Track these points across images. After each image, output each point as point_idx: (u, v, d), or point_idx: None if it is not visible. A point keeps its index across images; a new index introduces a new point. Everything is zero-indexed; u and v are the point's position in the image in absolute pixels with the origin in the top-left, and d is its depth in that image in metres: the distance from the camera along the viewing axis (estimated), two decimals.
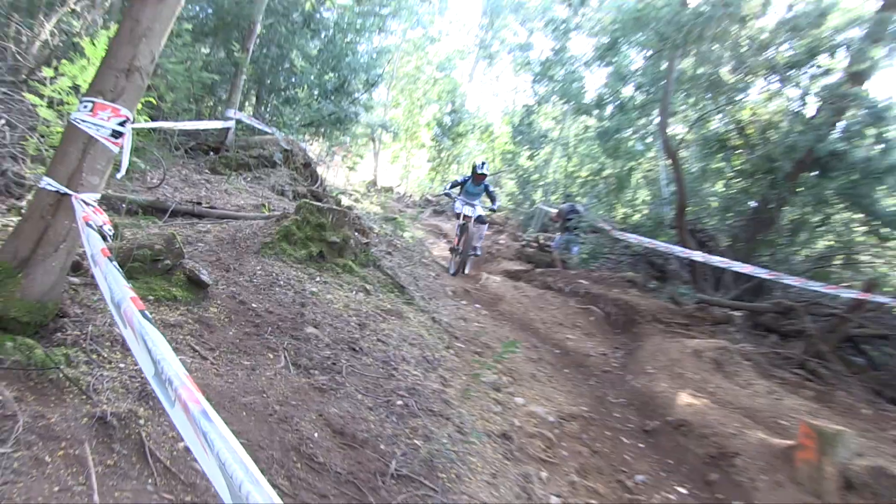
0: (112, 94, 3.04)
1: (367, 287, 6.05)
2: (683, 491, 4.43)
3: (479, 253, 11.21)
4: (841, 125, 11.22)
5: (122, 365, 3.09)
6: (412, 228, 13.53)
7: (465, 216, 10.78)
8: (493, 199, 11.44)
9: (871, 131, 10.96)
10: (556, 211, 14.54)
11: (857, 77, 11.35)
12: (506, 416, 4.57)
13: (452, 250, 11.30)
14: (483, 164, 11.23)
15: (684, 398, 5.83)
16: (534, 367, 6.17)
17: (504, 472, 3.75)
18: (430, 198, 25.35)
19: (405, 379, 4.28)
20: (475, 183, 11.12)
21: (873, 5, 11.61)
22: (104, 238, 2.65)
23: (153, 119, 8.58)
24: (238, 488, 1.35)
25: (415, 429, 3.64)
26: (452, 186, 11.41)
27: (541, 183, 21.68)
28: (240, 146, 11.68)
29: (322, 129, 16.97)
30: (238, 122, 11.97)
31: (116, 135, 3.05)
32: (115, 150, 3.11)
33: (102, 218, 2.89)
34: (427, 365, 4.78)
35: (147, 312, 2.05)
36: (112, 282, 2.27)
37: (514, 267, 13.10)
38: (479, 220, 10.99)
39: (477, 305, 8.19)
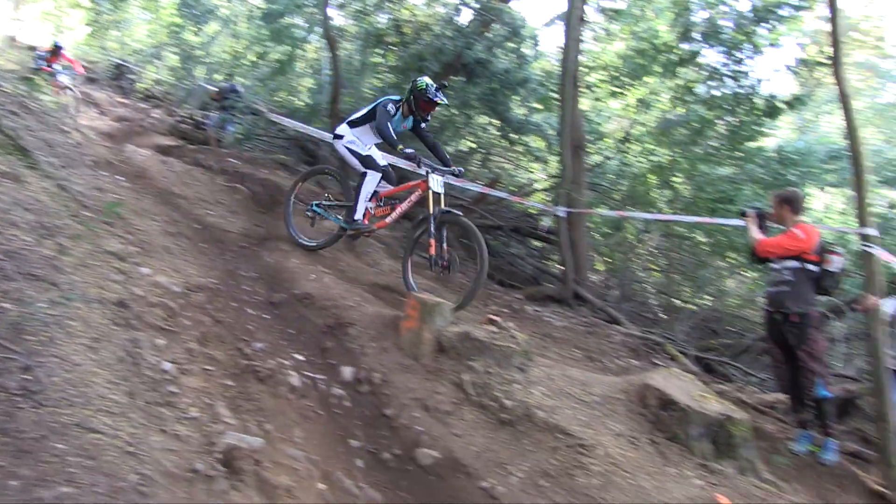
0: None
1: None
2: (300, 357, 4.61)
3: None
4: (487, 37, 12.29)
5: None
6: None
7: (434, 192, 6.24)
8: (440, 155, 6.75)
9: (511, 45, 12.20)
10: (216, 89, 13.91)
11: None
12: (126, 286, 4.26)
13: (361, 234, 6.92)
14: (438, 89, 6.41)
15: (313, 274, 6.06)
16: (170, 240, 5.86)
17: (110, 336, 3.52)
18: (84, 64, 22.53)
19: (9, 243, 3.74)
20: (408, 114, 6.63)
21: None
22: None
23: None
24: None
25: (7, 292, 3.24)
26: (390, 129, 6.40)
27: (205, 60, 20.24)
28: None
29: None
30: None
31: None
32: None
33: None
34: (44, 231, 4.23)
35: None
36: None
37: (166, 142, 12.14)
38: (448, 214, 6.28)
39: (118, 177, 7.44)
